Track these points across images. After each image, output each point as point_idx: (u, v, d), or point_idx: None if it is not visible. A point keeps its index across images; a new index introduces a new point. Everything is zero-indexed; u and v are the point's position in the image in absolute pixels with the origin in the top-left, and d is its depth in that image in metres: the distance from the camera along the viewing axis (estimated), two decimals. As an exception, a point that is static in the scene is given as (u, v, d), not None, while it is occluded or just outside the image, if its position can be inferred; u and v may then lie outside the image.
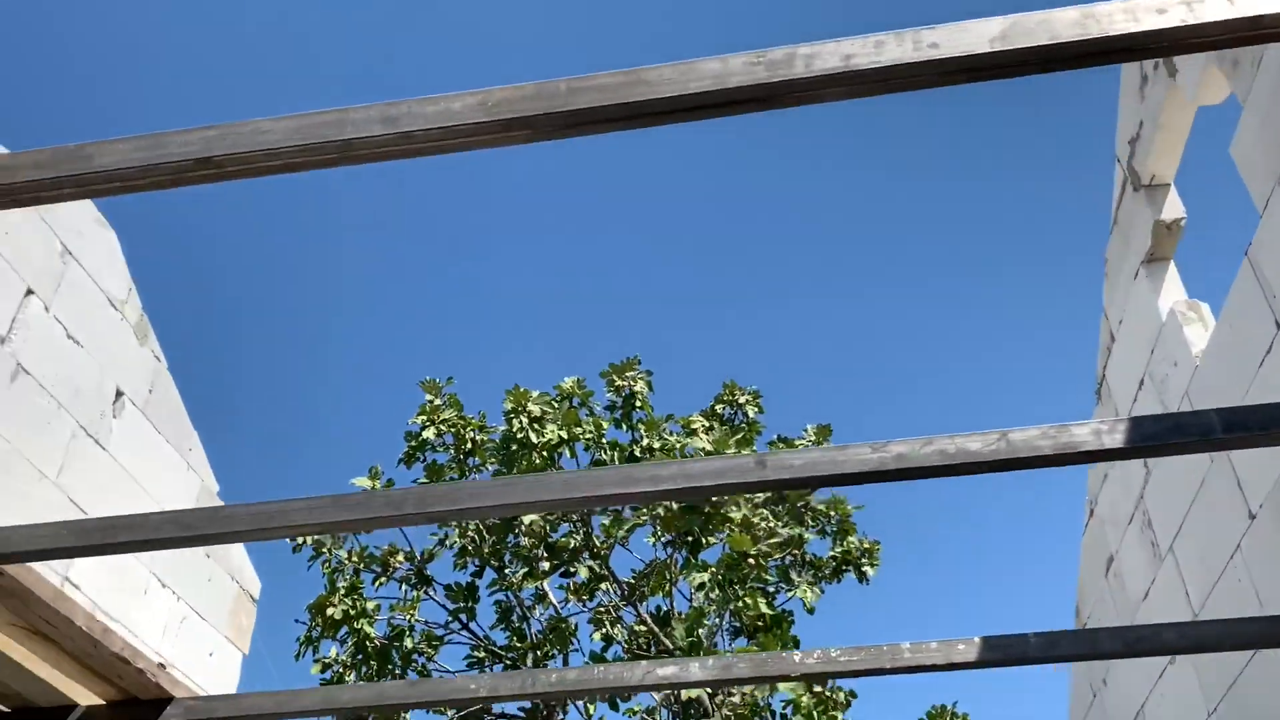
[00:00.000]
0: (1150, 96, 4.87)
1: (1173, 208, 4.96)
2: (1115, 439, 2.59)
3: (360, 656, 11.68)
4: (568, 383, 12.00)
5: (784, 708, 11.59)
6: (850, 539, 12.80)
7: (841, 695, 12.03)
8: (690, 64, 1.85)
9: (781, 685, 11.21)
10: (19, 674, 3.55)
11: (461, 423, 12.12)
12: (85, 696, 3.72)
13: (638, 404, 11.80)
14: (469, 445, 11.92)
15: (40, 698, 3.70)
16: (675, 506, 10.70)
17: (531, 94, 1.87)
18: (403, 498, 2.76)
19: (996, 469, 2.63)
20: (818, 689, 11.87)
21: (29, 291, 5.29)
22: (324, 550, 12.26)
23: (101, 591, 5.63)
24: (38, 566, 4.99)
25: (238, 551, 6.99)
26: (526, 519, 11.11)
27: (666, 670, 3.63)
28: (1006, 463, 2.62)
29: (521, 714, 12.08)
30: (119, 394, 5.98)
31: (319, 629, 11.64)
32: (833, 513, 12.91)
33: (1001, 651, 3.58)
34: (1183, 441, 2.59)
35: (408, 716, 11.91)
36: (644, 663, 3.71)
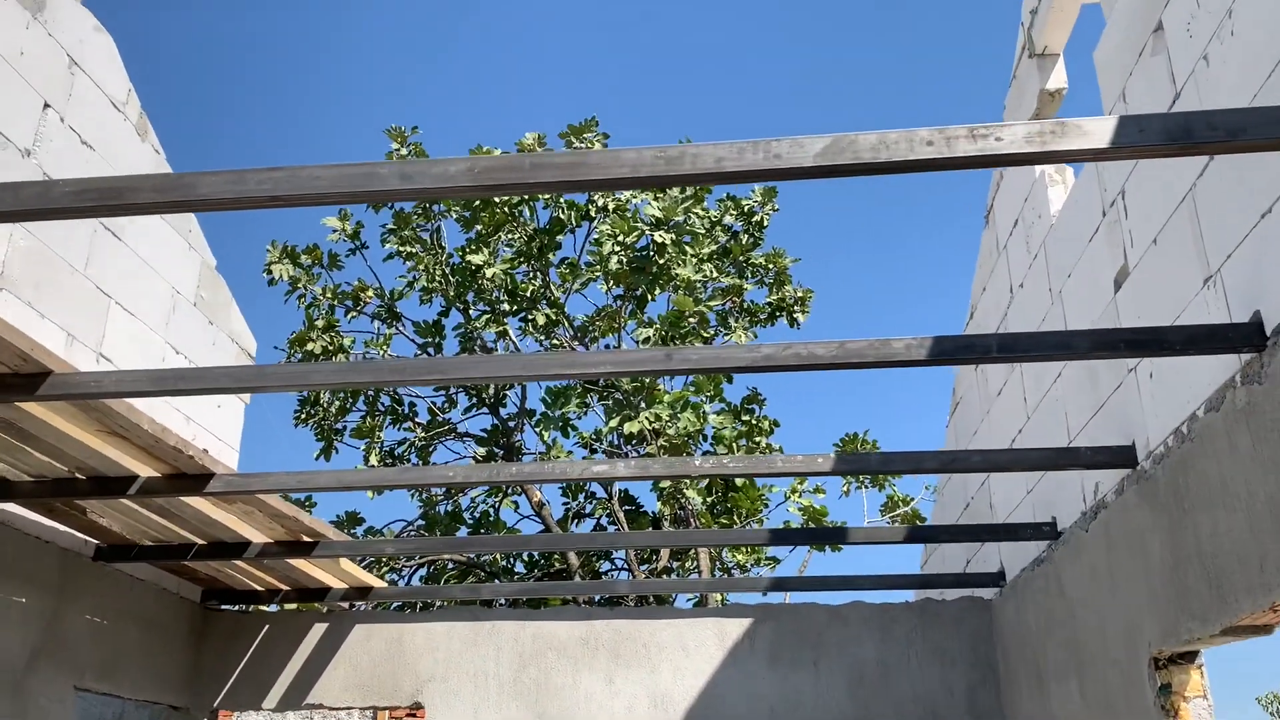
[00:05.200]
0: (1050, -24, 5.49)
1: (1057, 78, 5.71)
2: (920, 352, 3.60)
3: (338, 383, 12.95)
4: (529, 138, 12.57)
5: (713, 441, 13.11)
6: (786, 288, 13.98)
7: (766, 423, 13.63)
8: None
9: (712, 418, 12.72)
10: (102, 460, 4.64)
11: (427, 173, 12.73)
12: (147, 471, 4.83)
13: (594, 164, 12.44)
14: (435, 195, 12.56)
15: (112, 471, 4.80)
16: (626, 264, 11.70)
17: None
18: (403, 366, 3.75)
19: (836, 368, 3.66)
20: (746, 418, 13.47)
21: (46, 105, 5.91)
22: (299, 285, 13.24)
23: (133, 364, 6.64)
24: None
25: (236, 317, 7.97)
26: (489, 271, 12.09)
27: (600, 467, 4.79)
28: (844, 364, 3.64)
29: (484, 434, 13.61)
30: (127, 187, 6.70)
31: (299, 359, 12.83)
32: (771, 265, 14.01)
33: (850, 464, 4.78)
34: (970, 357, 3.61)
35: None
36: (582, 460, 4.87)
